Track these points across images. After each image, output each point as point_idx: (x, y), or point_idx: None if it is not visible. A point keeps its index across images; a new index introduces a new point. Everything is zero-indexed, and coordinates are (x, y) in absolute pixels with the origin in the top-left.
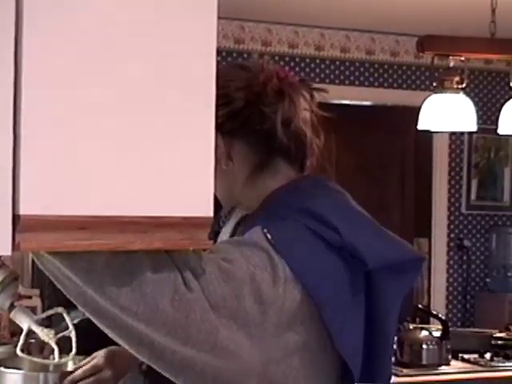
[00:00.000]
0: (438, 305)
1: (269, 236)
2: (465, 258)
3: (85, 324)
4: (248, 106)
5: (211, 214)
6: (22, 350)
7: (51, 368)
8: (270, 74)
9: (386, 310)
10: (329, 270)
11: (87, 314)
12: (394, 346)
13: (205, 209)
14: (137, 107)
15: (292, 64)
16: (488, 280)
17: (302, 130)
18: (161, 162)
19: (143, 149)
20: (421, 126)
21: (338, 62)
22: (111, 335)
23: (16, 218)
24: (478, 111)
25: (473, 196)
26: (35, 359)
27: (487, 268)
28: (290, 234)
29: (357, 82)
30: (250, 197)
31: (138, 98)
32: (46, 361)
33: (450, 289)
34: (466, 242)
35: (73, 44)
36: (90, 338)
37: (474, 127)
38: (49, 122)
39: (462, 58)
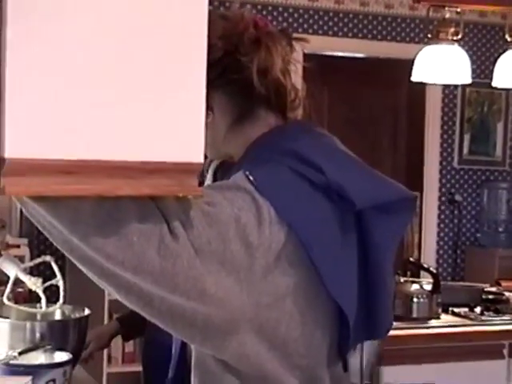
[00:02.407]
0: (429, 259)
1: (251, 178)
2: (456, 212)
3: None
4: (226, 56)
5: (201, 159)
6: (9, 299)
7: (38, 317)
8: (247, 23)
9: (380, 251)
10: (315, 210)
11: (74, 261)
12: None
13: (195, 155)
14: (126, 51)
15: (285, 15)
16: (479, 235)
17: (280, 79)
18: (150, 106)
19: (132, 93)
20: (414, 77)
21: (331, 13)
22: (99, 283)
23: (1, 161)
24: (471, 65)
25: (465, 150)
26: (22, 308)
27: (478, 223)
28: (273, 176)
29: (350, 34)
30: (234, 147)
31: (127, 42)
32: (32, 309)
33: (441, 243)
34: (458, 197)
35: None
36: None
37: (468, 79)
38: (35, 66)
39: (458, 10)
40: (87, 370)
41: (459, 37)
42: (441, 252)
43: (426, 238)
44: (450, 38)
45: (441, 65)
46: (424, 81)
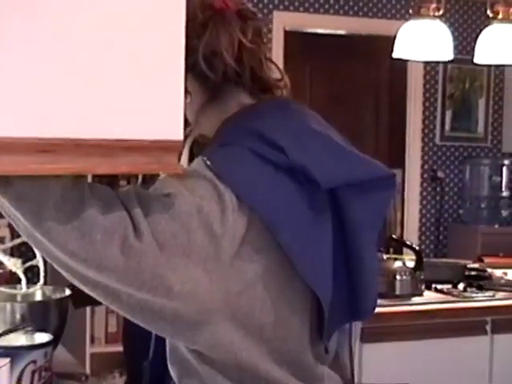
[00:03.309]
0: (411, 236)
1: (208, 163)
2: (438, 189)
3: None
4: (186, 40)
5: (180, 137)
6: None
7: (19, 298)
8: (203, 6)
9: (357, 230)
10: (278, 192)
11: (41, 254)
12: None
13: (173, 132)
14: (102, 26)
15: None
16: (461, 211)
17: (228, 61)
18: (127, 83)
19: (109, 69)
20: (396, 54)
21: None
22: (65, 276)
23: None
24: (453, 41)
25: (447, 127)
26: (2, 289)
27: (460, 199)
28: (232, 160)
29: (331, 11)
30: (207, 127)
31: (102, 18)
32: (13, 290)
33: (423, 220)
34: (440, 174)
35: None
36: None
37: (450, 56)
38: (6, 39)
39: None
40: (69, 351)
41: (441, 12)
42: (423, 229)
43: (409, 215)
44: (431, 13)
45: (422, 41)
46: (405, 57)
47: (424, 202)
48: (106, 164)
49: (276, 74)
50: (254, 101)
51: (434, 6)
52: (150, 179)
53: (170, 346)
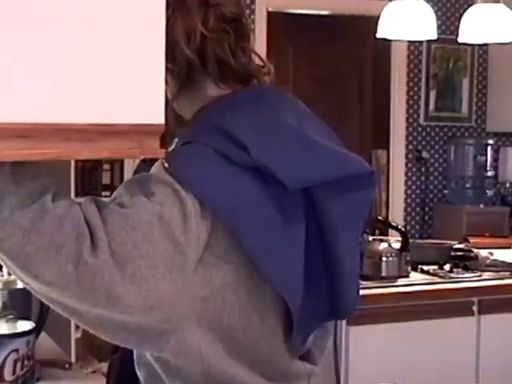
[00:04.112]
0: (397, 217)
1: (167, 166)
2: (423, 169)
3: None
4: None
5: (162, 120)
6: None
7: (0, 286)
8: None
9: (334, 232)
10: (241, 195)
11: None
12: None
13: (155, 115)
14: (81, 9)
15: None
16: (446, 191)
17: (185, 51)
18: (107, 66)
19: (88, 53)
20: (380, 33)
21: None
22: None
23: None
24: (436, 20)
25: (431, 107)
26: None
27: (445, 179)
28: (194, 162)
29: None
30: (183, 114)
31: (82, 1)
32: None
33: (409, 200)
34: (425, 154)
35: None
36: None
37: (433, 35)
38: None
39: None
40: (53, 338)
41: None
42: (408, 209)
43: (394, 196)
44: None
45: (406, 20)
46: (389, 37)
47: (409, 183)
48: (86, 149)
49: (257, 61)
50: (225, 91)
51: None
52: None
53: (137, 354)
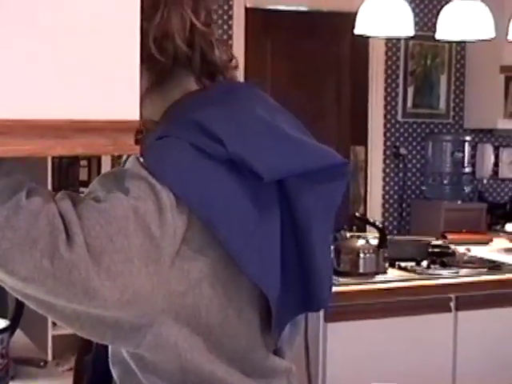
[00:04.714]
0: (375, 213)
1: (141, 160)
2: (401, 165)
3: None
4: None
5: (136, 117)
6: None
7: None
8: None
9: (307, 224)
10: (216, 188)
11: None
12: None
13: (130, 111)
14: (53, 3)
15: None
16: (424, 188)
17: (179, 44)
18: (80, 61)
19: (62, 47)
20: (357, 30)
21: None
22: None
23: None
24: (414, 17)
25: (409, 104)
26: None
27: (423, 176)
28: (168, 156)
29: None
30: (153, 113)
31: None
32: None
33: (387, 197)
34: (402, 150)
35: None
36: None
37: (411, 32)
38: None
39: None
40: (29, 335)
41: None
42: (386, 205)
43: (372, 192)
44: None
45: (383, 17)
46: (367, 34)
47: (387, 179)
48: (60, 146)
49: (225, 55)
50: (200, 85)
51: None
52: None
53: (112, 347)
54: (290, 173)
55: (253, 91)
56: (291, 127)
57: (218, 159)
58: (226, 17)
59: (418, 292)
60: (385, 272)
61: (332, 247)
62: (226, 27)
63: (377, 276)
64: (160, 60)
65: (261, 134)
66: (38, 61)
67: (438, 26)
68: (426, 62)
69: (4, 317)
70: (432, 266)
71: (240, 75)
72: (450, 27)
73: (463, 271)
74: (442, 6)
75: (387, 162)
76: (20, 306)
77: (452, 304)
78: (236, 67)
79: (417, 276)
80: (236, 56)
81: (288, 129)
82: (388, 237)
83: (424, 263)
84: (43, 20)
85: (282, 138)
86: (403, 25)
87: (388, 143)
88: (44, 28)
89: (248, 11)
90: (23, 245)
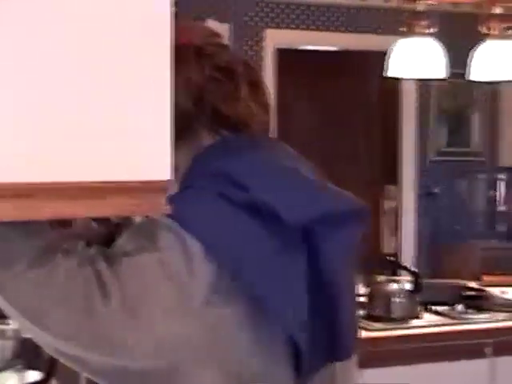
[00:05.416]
0: (407, 253)
1: (169, 211)
2: (433, 205)
3: None
4: None
5: (169, 176)
6: None
7: (9, 334)
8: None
9: (330, 265)
10: (243, 234)
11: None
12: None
13: (162, 171)
14: (85, 64)
15: (256, 9)
16: (457, 227)
17: (182, 101)
18: (110, 122)
19: (90, 105)
20: (388, 72)
21: (303, 7)
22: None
23: None
24: (446, 56)
25: (441, 142)
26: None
27: (456, 215)
28: (194, 205)
29: (323, 27)
30: (179, 162)
31: (85, 56)
32: (3, 326)
33: (419, 236)
34: (435, 190)
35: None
36: None
37: (443, 74)
38: None
39: (430, 2)
40: None
41: (433, 30)
42: (419, 245)
43: (404, 232)
44: (423, 30)
45: (415, 59)
46: (398, 76)
47: (419, 219)
48: (90, 208)
49: (250, 109)
50: (217, 139)
51: (425, 23)
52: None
53: None
54: (314, 217)
55: (273, 143)
56: (312, 174)
57: (243, 206)
58: (256, 58)
59: (452, 337)
60: (418, 317)
61: (364, 291)
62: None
63: (410, 321)
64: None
65: (284, 179)
66: (68, 122)
67: (469, 67)
68: (459, 100)
69: (38, 369)
70: (467, 311)
71: (271, 118)
72: (482, 69)
73: (499, 315)
74: (474, 44)
75: (420, 201)
76: (54, 358)
77: (487, 350)
78: (261, 122)
79: (451, 321)
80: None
81: (309, 175)
82: (421, 280)
83: (458, 307)
84: (74, 82)
85: (305, 184)
86: (436, 67)
87: (420, 182)
88: (73, 87)
89: (278, 52)
90: (59, 302)
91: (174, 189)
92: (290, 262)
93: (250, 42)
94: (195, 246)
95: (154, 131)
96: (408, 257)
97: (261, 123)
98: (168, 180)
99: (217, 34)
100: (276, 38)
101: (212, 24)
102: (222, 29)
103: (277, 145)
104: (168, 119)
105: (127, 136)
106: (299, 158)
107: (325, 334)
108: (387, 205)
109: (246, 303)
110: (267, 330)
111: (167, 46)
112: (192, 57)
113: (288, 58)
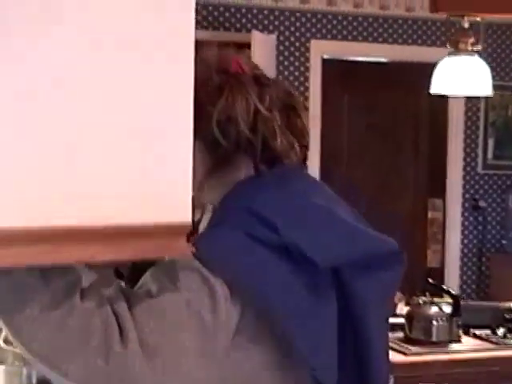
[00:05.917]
0: (452, 267)
1: (195, 252)
2: (480, 218)
3: None
4: (195, 105)
5: (189, 219)
6: (6, 341)
7: None
8: (218, 69)
9: (363, 311)
10: (272, 277)
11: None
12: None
13: (183, 215)
14: (105, 107)
15: (303, 20)
16: (504, 241)
17: (242, 129)
18: (132, 166)
19: (113, 151)
20: (434, 89)
21: (350, 18)
22: None
23: None
24: (494, 67)
25: (489, 155)
26: (17, 350)
27: (503, 229)
28: (221, 246)
29: (370, 38)
30: (211, 198)
31: (105, 98)
32: None
33: (465, 250)
34: (482, 203)
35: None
36: None
37: (489, 91)
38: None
39: (478, 18)
40: None
41: (479, 47)
42: (465, 260)
43: (450, 246)
44: (469, 48)
45: (460, 77)
46: (444, 93)
47: (466, 232)
48: (110, 251)
49: (286, 141)
50: (251, 174)
51: (471, 40)
52: None
53: None
54: (345, 260)
55: (307, 178)
56: (347, 214)
57: (272, 246)
58: (302, 68)
59: (493, 363)
60: (459, 340)
61: (403, 310)
62: (302, 79)
63: (450, 345)
64: (222, 144)
65: (315, 220)
66: (88, 168)
67: None
68: (507, 112)
69: None
70: (508, 335)
71: (316, 127)
72: None
73: None
74: None
75: (466, 214)
76: None
77: None
78: (296, 155)
79: (492, 346)
80: (311, 117)
81: (344, 215)
82: (462, 302)
83: (500, 331)
84: (94, 126)
85: (338, 225)
86: (481, 84)
87: (467, 195)
88: (96, 134)
89: (325, 62)
90: (77, 344)
91: (203, 225)
92: (319, 301)
93: (296, 53)
94: (220, 288)
95: (174, 175)
96: (453, 269)
97: (298, 154)
98: (188, 223)
99: (257, 65)
100: (322, 49)
101: (257, 35)
102: (269, 39)
103: (309, 180)
104: (190, 163)
105: (146, 180)
106: (334, 196)
107: (354, 380)
108: (433, 217)
109: (270, 345)
110: (293, 371)
111: (190, 103)
112: (252, 85)
113: (334, 69)
